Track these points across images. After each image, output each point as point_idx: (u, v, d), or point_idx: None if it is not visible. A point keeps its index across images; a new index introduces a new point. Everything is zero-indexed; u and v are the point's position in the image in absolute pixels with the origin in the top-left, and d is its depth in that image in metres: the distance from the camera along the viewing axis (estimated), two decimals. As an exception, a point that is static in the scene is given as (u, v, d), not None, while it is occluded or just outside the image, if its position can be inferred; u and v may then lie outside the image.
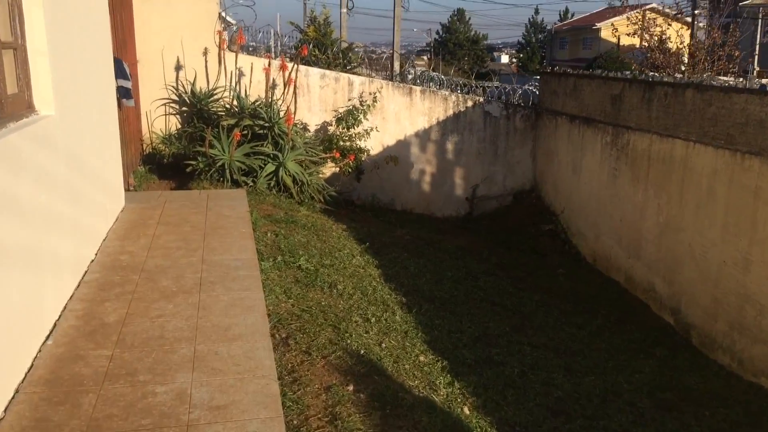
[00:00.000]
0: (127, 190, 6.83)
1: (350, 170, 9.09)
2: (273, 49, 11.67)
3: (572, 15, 50.30)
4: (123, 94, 6.29)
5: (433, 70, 13.15)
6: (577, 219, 8.88)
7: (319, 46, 11.71)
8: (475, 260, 7.56)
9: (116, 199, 5.67)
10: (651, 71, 11.97)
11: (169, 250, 4.63)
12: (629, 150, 7.43)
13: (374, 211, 9.40)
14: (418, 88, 9.70)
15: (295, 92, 8.11)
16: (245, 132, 7.81)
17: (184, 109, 8.80)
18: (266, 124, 7.79)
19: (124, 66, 6.29)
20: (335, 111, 9.38)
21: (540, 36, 50.16)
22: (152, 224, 5.35)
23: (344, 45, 12.92)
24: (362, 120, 9.09)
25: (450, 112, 9.77)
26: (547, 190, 9.92)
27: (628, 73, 8.21)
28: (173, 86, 8.69)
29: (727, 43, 10.64)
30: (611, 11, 45.79)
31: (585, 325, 6.10)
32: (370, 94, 9.37)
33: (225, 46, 8.58)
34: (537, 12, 51.45)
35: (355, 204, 9.31)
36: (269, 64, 8.41)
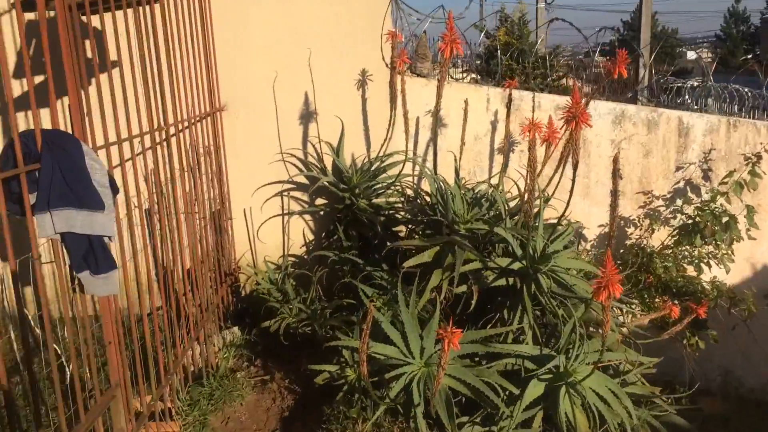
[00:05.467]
0: None
1: (696, 343, 4.15)
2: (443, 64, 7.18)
3: (781, -1, 44.46)
4: (77, 263, 2.01)
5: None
6: None
7: (512, 54, 7.36)
8: None
9: None
10: None
11: None
12: None
13: (744, 423, 4.34)
14: None
15: (575, 163, 3.39)
16: (462, 285, 3.24)
17: (320, 203, 4.51)
18: (515, 267, 3.16)
19: (82, 163, 2.01)
20: (646, 194, 4.51)
21: (743, 27, 45.08)
22: None
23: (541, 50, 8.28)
24: (736, 227, 4.08)
25: None
26: None
27: None
28: (299, 158, 4.44)
29: None
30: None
31: None
32: (747, 159, 4.35)
33: (404, 66, 4.13)
34: (738, 0, 45.64)
35: (702, 415, 4.31)
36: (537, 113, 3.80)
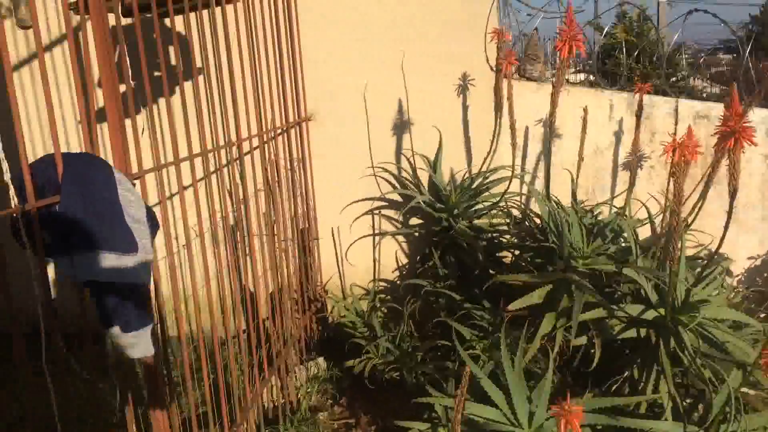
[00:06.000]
0: None
1: None
2: (550, 65, 6.42)
3: None
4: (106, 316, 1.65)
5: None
6: None
7: (632, 53, 6.68)
8: None
9: None
10: None
11: None
12: None
13: None
14: None
15: (732, 191, 2.73)
16: (581, 336, 2.67)
17: (415, 223, 4.06)
18: (649, 317, 2.55)
19: (112, 194, 1.66)
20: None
21: None
22: None
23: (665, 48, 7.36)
24: None
25: None
26: None
27: None
28: (391, 173, 4.00)
29: None
30: None
31: None
32: None
33: (511, 69, 3.58)
34: None
35: None
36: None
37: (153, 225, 1.79)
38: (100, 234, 1.61)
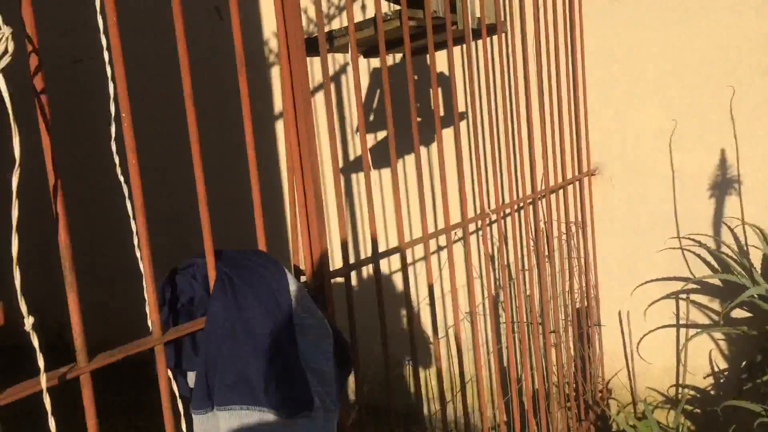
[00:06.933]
0: None
1: None
2: None
3: None
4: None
5: None
6: None
7: None
8: None
9: None
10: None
11: None
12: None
13: None
14: None
15: None
16: None
17: (740, 316, 2.97)
18: None
19: (281, 319, 1.09)
20: None
21: None
22: None
23: None
24: None
25: None
26: None
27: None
28: (706, 247, 2.97)
29: None
30: None
31: None
32: None
33: None
34: None
35: None
36: None
37: (343, 364, 1.20)
38: (256, 381, 1.06)
